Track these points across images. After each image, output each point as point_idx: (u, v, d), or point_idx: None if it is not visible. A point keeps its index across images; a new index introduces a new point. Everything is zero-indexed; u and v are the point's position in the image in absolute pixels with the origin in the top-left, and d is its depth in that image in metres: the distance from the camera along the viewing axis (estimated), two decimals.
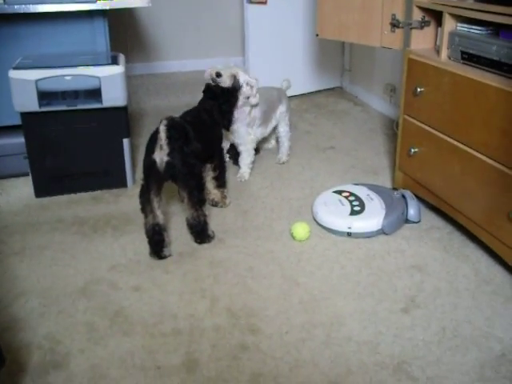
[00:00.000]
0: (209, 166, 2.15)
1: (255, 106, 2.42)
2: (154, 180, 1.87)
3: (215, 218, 2.14)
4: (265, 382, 1.37)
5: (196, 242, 1.99)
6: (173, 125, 1.83)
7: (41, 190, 2.31)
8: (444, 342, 1.50)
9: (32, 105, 2.16)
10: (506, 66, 1.68)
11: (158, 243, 1.90)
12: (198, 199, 1.91)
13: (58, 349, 1.49)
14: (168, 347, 1.49)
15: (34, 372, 1.41)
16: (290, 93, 2.72)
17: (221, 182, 2.21)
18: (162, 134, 1.80)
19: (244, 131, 2.44)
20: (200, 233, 1.98)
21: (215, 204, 2.24)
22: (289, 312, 1.63)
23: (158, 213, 1.89)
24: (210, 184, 2.19)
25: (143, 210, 1.90)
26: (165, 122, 1.81)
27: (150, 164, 1.85)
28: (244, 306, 1.65)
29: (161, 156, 1.83)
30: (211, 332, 1.55)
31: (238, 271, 1.82)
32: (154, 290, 1.73)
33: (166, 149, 1.81)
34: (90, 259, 1.89)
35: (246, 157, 2.49)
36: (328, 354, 1.46)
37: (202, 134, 2.01)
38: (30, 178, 2.31)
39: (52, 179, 2.30)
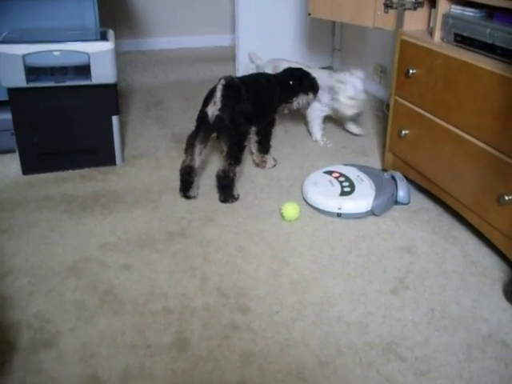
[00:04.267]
0: (254, 129, 2.28)
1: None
2: (202, 129, 2.08)
3: (205, 197, 2.14)
4: (255, 362, 1.38)
5: (220, 199, 2.12)
6: (229, 84, 2.03)
7: (28, 168, 2.28)
8: (432, 323, 1.51)
9: (19, 80, 2.12)
10: (499, 49, 1.67)
11: (185, 183, 2.13)
12: (235, 155, 2.06)
13: (47, 327, 1.48)
14: (158, 326, 1.49)
15: (23, 351, 1.40)
16: None
17: (261, 148, 2.36)
18: (218, 92, 2.01)
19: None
20: (225, 188, 2.09)
21: (256, 165, 2.41)
22: (279, 292, 1.63)
23: (196, 157, 2.11)
24: (254, 145, 2.37)
25: (185, 150, 2.13)
26: (223, 81, 2.02)
27: (202, 115, 2.07)
28: (234, 286, 1.65)
29: (213, 110, 2.03)
30: (201, 311, 1.55)
31: (228, 250, 1.82)
32: (143, 268, 1.73)
33: (218, 104, 2.01)
34: (79, 237, 1.88)
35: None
36: (318, 334, 1.47)
37: (256, 96, 2.18)
38: (17, 155, 2.27)
39: (39, 156, 2.27)
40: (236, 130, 2.06)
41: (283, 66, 2.64)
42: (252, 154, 2.40)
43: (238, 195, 2.14)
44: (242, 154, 2.10)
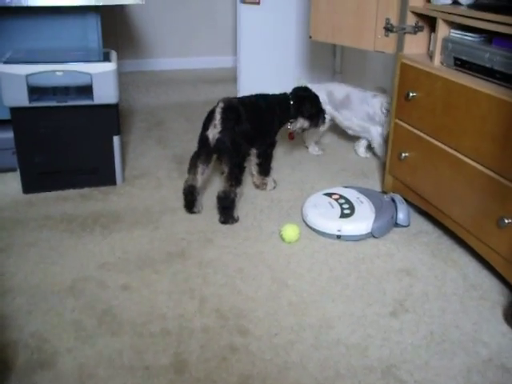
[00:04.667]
0: (254, 151, 2.31)
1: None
2: (204, 151, 2.12)
3: (204, 218, 2.14)
4: None
5: (220, 220, 2.13)
6: (228, 106, 2.04)
7: (29, 186, 2.28)
8: (432, 346, 1.50)
9: (22, 100, 2.14)
10: (498, 74, 1.69)
11: (189, 202, 2.18)
12: (235, 176, 2.08)
13: (45, 347, 1.47)
14: (157, 347, 1.48)
15: (20, 371, 1.39)
16: None
17: (261, 170, 2.37)
18: (217, 115, 2.03)
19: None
20: (225, 209, 2.10)
21: (256, 187, 2.42)
22: (278, 314, 1.62)
23: (198, 177, 2.15)
24: (255, 167, 2.38)
25: (188, 170, 2.17)
26: (221, 103, 2.04)
27: (203, 138, 2.09)
28: (233, 307, 1.65)
29: (213, 133, 2.04)
30: (200, 333, 1.54)
31: (228, 272, 1.82)
32: (142, 289, 1.72)
33: (218, 127, 2.03)
34: (79, 257, 1.88)
35: None
36: (317, 357, 1.46)
37: (255, 117, 2.19)
38: (18, 173, 2.28)
39: (40, 175, 2.28)
40: (237, 152, 2.07)
41: (338, 90, 2.68)
42: (252, 175, 2.41)
43: (238, 217, 2.14)
44: (243, 175, 2.11)
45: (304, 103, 2.35)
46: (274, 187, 2.40)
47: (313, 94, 2.40)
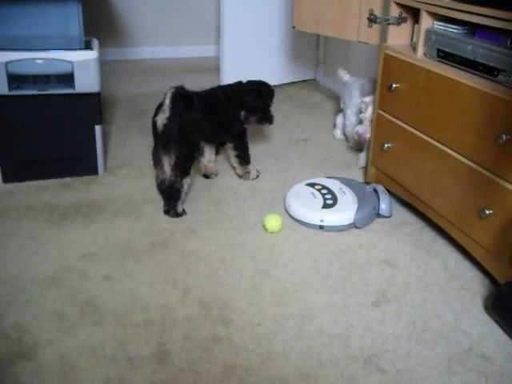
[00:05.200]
0: (230, 145, 2.31)
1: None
2: (159, 141, 2.05)
3: (187, 208, 2.13)
4: (236, 374, 1.38)
5: (164, 210, 2.09)
6: (179, 92, 1.98)
7: (8, 176, 2.25)
8: (413, 336, 1.52)
9: (1, 88, 2.10)
10: (480, 66, 1.70)
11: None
12: (182, 167, 2.02)
13: (25, 339, 1.46)
14: (139, 338, 1.48)
15: (0, 362, 1.38)
16: None
17: (242, 160, 2.35)
18: (167, 100, 1.96)
19: None
20: (169, 199, 2.06)
21: (240, 177, 2.40)
22: (261, 304, 1.63)
23: (166, 170, 2.06)
24: (234, 160, 2.36)
25: (154, 166, 2.12)
26: (172, 89, 1.97)
27: (152, 125, 2.04)
28: (216, 298, 1.65)
29: (161, 119, 1.98)
30: (183, 323, 1.54)
31: (210, 262, 1.82)
32: (125, 279, 1.71)
33: (166, 113, 1.97)
34: (60, 247, 1.86)
35: None
36: (299, 347, 1.47)
37: (211, 107, 2.15)
38: None
39: (21, 165, 2.25)
40: (185, 140, 2.01)
41: (369, 82, 2.64)
42: (234, 168, 2.40)
43: (184, 210, 2.10)
44: (191, 165, 2.06)
45: (249, 95, 2.30)
46: (257, 176, 2.40)
47: (259, 86, 2.34)
